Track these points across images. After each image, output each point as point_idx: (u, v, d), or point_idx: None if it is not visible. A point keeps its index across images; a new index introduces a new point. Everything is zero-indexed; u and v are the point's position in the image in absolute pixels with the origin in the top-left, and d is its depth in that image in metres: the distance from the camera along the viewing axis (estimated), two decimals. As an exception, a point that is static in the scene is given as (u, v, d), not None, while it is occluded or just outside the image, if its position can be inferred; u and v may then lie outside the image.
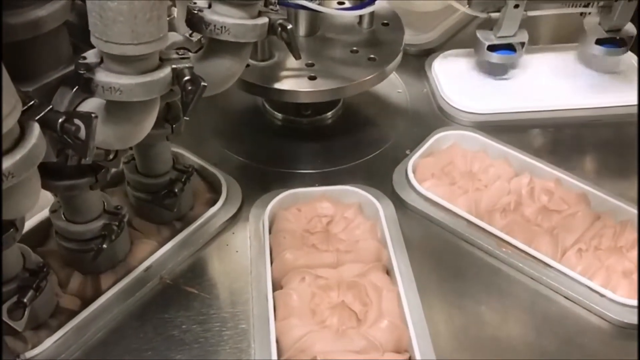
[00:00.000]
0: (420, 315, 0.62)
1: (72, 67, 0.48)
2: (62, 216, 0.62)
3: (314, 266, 0.66)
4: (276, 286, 0.65)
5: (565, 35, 1.04)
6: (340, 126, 0.89)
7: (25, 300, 0.55)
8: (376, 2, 0.78)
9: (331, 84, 0.77)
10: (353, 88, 0.78)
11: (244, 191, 0.75)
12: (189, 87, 0.47)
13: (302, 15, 0.82)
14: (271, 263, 0.67)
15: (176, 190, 0.68)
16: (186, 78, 0.47)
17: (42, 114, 0.44)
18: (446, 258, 0.70)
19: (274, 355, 0.58)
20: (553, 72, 0.94)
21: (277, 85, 0.77)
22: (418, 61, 0.97)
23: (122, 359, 0.60)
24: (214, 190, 0.76)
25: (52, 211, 0.62)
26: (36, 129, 0.43)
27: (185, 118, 0.50)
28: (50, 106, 0.45)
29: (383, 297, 0.62)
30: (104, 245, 0.61)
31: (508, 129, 0.84)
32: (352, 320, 0.61)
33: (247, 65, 0.78)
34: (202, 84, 0.48)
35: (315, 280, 0.64)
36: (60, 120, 0.44)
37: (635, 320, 0.63)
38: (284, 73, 0.79)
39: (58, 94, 0.49)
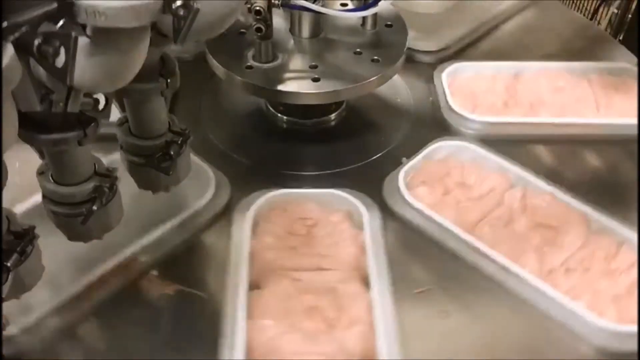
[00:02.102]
0: (392, 325, 0.61)
1: (55, 4, 0.44)
2: (50, 178, 0.58)
3: (292, 268, 0.66)
4: (254, 286, 0.65)
5: (569, 49, 1.02)
6: (341, 129, 0.88)
7: (8, 264, 0.51)
8: (379, 3, 0.77)
9: (335, 86, 0.77)
10: (357, 90, 0.78)
11: (240, 191, 0.75)
12: (181, 13, 0.44)
13: (305, 17, 0.81)
14: (251, 263, 0.67)
15: (172, 152, 0.65)
16: (178, 3, 0.44)
17: (17, 34, 0.40)
18: (428, 269, 0.69)
19: (242, 355, 0.58)
20: (556, 87, 0.92)
21: (281, 87, 0.77)
22: (428, 69, 0.96)
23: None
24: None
25: (40, 173, 0.59)
26: (9, 49, 0.40)
27: (178, 45, 0.48)
28: (27, 26, 0.41)
29: (357, 304, 0.62)
30: (94, 207, 0.58)
31: (508, 143, 0.82)
32: (325, 324, 0.61)
33: (250, 67, 0.79)
34: (196, 6, 0.45)
35: (292, 283, 0.64)
36: (37, 42, 0.40)
37: (621, 347, 0.61)
38: (288, 75, 0.79)
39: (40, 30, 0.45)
